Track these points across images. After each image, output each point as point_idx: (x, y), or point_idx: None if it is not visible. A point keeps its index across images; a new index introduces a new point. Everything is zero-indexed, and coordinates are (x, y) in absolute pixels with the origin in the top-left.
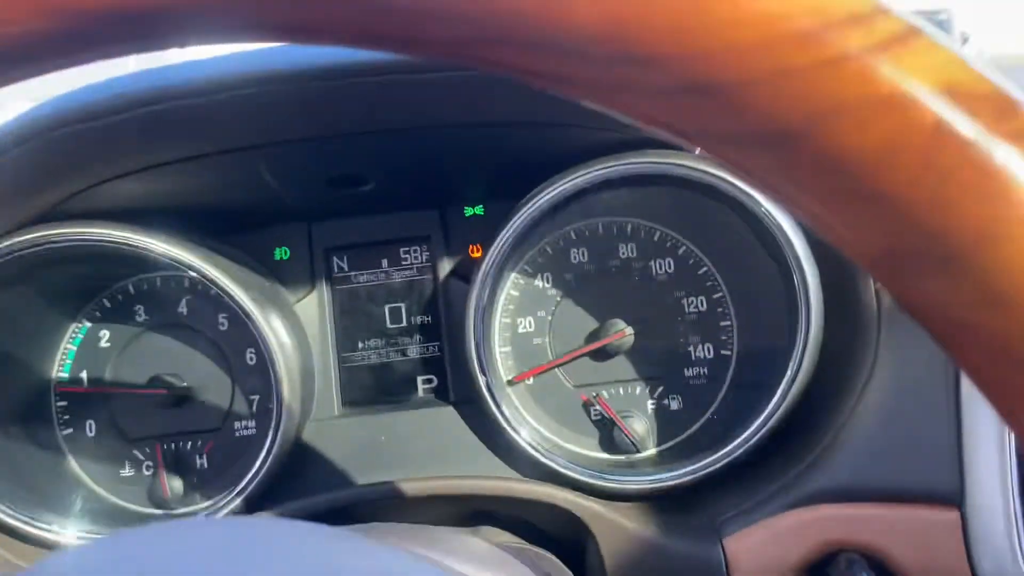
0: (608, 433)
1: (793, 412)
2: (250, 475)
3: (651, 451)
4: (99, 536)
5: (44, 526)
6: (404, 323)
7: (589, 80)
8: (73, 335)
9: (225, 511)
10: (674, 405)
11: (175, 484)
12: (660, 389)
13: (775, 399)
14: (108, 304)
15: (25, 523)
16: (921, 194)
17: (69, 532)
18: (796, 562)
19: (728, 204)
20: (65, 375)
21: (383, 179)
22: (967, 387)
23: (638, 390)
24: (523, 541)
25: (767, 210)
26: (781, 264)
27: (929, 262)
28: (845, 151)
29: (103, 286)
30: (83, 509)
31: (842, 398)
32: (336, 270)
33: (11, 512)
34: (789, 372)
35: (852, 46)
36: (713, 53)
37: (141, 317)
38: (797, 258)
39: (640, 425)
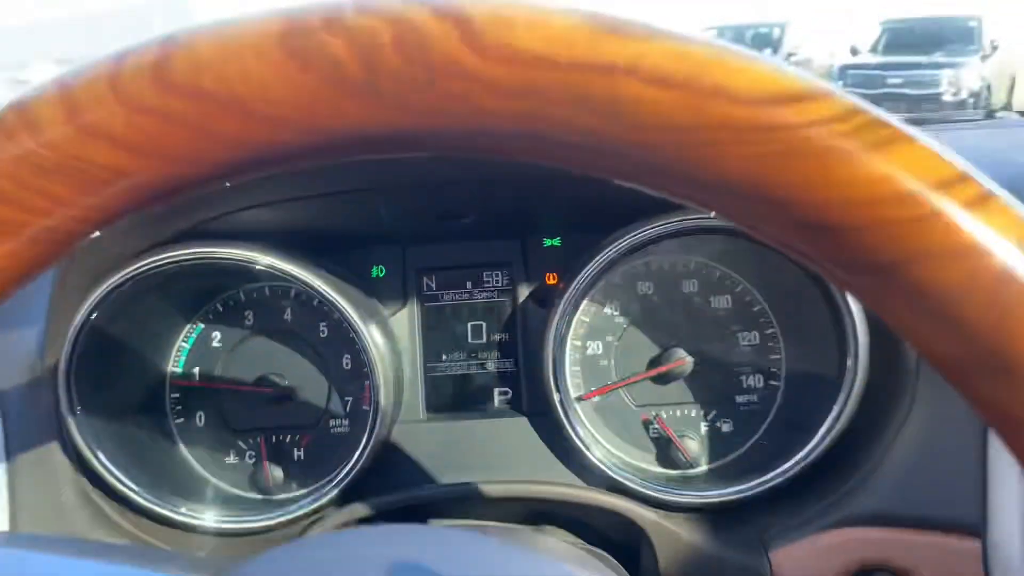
0: (665, 449)
1: (835, 444)
2: (347, 469)
3: (703, 468)
4: (238, 521)
5: (172, 507)
6: (484, 339)
7: (736, 211)
8: (188, 335)
9: (323, 500)
10: (725, 428)
11: (276, 473)
12: (713, 412)
13: (820, 432)
14: (220, 308)
15: (157, 504)
16: (988, 322)
17: (204, 516)
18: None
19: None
20: (179, 370)
21: (479, 215)
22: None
23: (693, 412)
24: (582, 541)
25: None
26: (834, 311)
27: (989, 370)
28: (929, 283)
29: (217, 292)
30: (194, 492)
31: (880, 433)
32: (425, 288)
33: (142, 493)
34: (835, 410)
35: (942, 205)
36: (834, 205)
37: (249, 321)
38: (850, 310)
39: (694, 444)
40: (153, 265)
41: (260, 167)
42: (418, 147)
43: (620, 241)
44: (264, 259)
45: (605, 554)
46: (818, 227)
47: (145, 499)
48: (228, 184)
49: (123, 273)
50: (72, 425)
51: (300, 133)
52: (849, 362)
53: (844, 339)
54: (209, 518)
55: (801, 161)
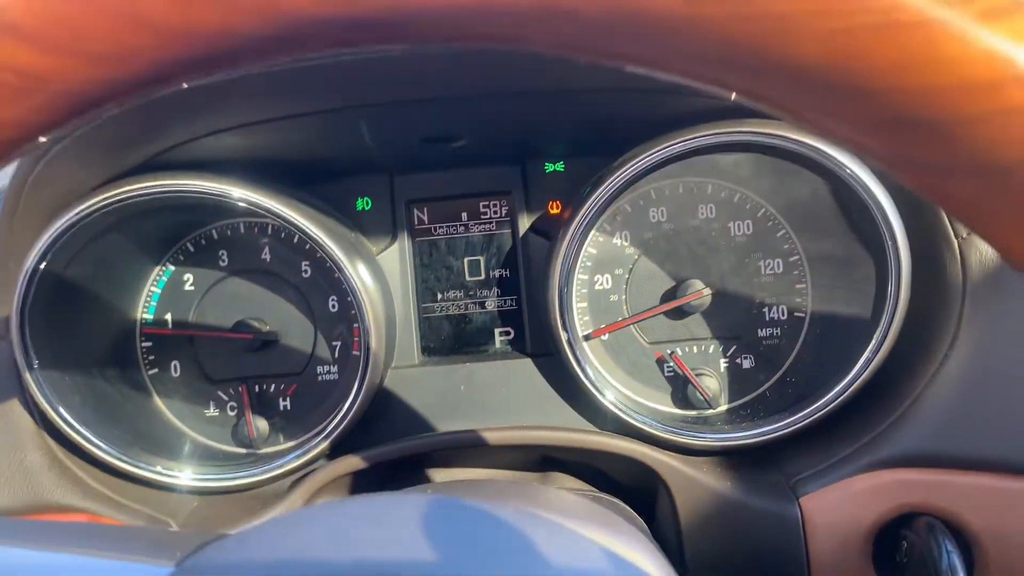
0: (681, 389)
1: (871, 379)
2: (337, 419)
3: (723, 408)
4: (208, 477)
5: (146, 466)
6: (482, 276)
7: (808, 105)
8: (157, 278)
9: (312, 453)
10: (746, 364)
11: (260, 425)
12: (733, 348)
13: (856, 367)
14: (191, 249)
15: (128, 463)
16: None
17: (181, 473)
18: (871, 523)
19: (816, 171)
20: (149, 317)
21: (474, 137)
22: None
23: (711, 349)
24: (591, 488)
25: (861, 180)
26: (869, 232)
27: None
28: None
29: (187, 231)
30: (172, 448)
31: (922, 366)
32: (417, 222)
33: (112, 452)
34: (873, 342)
35: None
36: (938, 90)
37: (224, 262)
38: (890, 227)
39: (713, 383)
40: (109, 201)
41: (200, 67)
42: (400, 34)
43: (632, 163)
44: (236, 191)
45: (618, 502)
46: (915, 121)
47: (116, 457)
48: (184, 85)
49: (75, 211)
50: (30, 381)
51: (254, 15)
52: (890, 287)
53: (883, 263)
54: (187, 475)
55: (898, 35)
